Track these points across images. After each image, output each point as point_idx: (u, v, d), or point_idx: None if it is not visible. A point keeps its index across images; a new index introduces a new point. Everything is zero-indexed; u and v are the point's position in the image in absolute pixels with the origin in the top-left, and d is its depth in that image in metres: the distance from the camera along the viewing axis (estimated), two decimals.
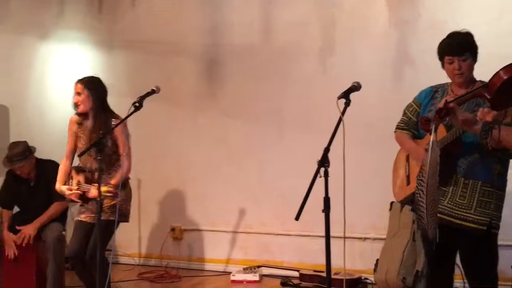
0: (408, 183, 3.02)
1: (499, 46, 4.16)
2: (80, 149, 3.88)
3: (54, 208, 4.47)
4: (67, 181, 4.00)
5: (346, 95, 2.78)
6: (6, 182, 4.67)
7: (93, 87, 3.96)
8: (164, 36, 5.76)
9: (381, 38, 4.87)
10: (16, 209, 4.69)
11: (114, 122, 3.82)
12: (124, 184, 3.88)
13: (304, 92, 5.14)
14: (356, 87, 2.88)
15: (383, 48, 4.85)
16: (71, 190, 3.89)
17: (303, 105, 5.13)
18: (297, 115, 5.17)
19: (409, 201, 3.05)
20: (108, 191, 3.69)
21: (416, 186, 2.72)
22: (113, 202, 3.80)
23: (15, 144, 4.54)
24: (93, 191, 3.76)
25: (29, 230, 4.33)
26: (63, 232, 4.56)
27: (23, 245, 4.30)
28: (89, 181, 3.90)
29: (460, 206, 2.78)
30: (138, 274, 5.29)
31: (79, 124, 3.96)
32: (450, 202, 2.83)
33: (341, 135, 2.60)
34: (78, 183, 3.92)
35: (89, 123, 3.94)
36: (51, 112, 6.30)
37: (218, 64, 5.51)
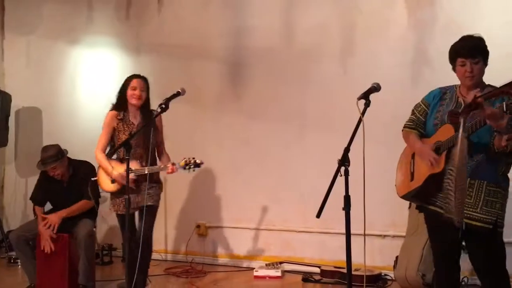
0: (412, 179, 3.00)
1: None
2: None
3: (81, 204, 4.52)
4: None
5: (366, 96, 2.78)
6: (40, 180, 4.75)
7: (149, 87, 4.10)
8: (189, 40, 5.79)
9: (399, 39, 4.83)
10: (48, 206, 4.76)
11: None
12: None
13: (324, 93, 5.12)
14: (376, 88, 2.87)
15: (401, 49, 4.81)
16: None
17: (323, 105, 5.11)
18: (317, 116, 5.15)
19: (411, 196, 3.04)
20: (187, 164, 3.87)
21: (446, 176, 2.70)
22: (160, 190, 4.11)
23: (47, 147, 4.61)
24: (172, 167, 3.91)
25: (54, 218, 4.39)
26: (94, 229, 4.62)
27: (48, 230, 4.36)
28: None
29: (467, 205, 2.76)
30: (165, 269, 5.32)
31: (120, 119, 4.01)
32: None
33: (361, 134, 2.59)
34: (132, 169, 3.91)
35: (135, 118, 4.04)
36: (81, 114, 6.38)
37: (241, 67, 5.52)
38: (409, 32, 4.80)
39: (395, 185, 3.20)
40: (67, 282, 4.38)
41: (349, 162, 2.60)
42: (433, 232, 3.07)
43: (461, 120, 2.58)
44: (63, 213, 4.43)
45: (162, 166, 3.96)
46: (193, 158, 3.88)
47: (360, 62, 4.96)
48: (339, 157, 2.61)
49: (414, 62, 4.74)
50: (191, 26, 5.79)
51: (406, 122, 3.15)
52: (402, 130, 3.16)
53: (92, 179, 4.13)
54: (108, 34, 6.25)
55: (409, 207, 4.60)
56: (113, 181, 3.91)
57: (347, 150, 2.63)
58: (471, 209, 2.76)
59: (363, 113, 2.69)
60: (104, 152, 4.06)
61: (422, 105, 3.08)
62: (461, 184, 2.57)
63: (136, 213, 4.11)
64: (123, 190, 3.84)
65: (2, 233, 6.23)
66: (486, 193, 2.76)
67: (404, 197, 3.12)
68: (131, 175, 3.70)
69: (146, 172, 3.88)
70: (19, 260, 5.19)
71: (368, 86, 2.86)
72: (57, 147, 4.59)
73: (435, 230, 3.02)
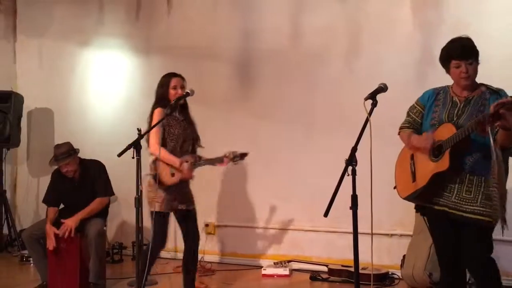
0: (414, 179, 2.99)
1: None
2: (176, 135, 3.93)
3: (95, 204, 4.55)
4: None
5: (372, 96, 2.78)
6: (52, 181, 4.76)
7: (185, 83, 4.08)
8: (198, 41, 5.80)
9: (405, 40, 4.82)
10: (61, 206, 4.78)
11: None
12: None
13: (331, 94, 5.11)
14: (382, 88, 2.87)
15: (407, 50, 4.79)
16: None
17: (330, 106, 5.10)
18: (325, 116, 5.15)
19: (415, 197, 3.02)
20: (235, 156, 3.81)
21: (491, 186, 2.72)
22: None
23: (60, 145, 4.64)
24: (226, 160, 3.83)
25: (70, 222, 4.39)
26: (104, 228, 4.64)
27: (65, 236, 4.35)
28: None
29: (467, 200, 2.79)
30: (174, 268, 5.32)
31: (168, 114, 3.85)
32: (457, 197, 2.83)
33: (368, 134, 2.58)
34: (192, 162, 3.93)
35: (179, 115, 4.02)
36: (92, 114, 6.41)
37: (249, 68, 5.53)
38: (415, 33, 4.78)
39: (395, 188, 3.18)
40: (78, 280, 4.40)
41: (356, 161, 2.60)
42: (436, 233, 3.08)
43: (488, 130, 2.59)
44: (79, 216, 4.44)
45: (218, 157, 3.86)
46: (235, 151, 3.83)
47: (367, 62, 4.95)
48: (347, 156, 2.60)
49: (420, 62, 4.72)
50: (200, 28, 5.80)
51: (402, 124, 3.18)
52: (399, 133, 3.19)
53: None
54: (118, 35, 6.28)
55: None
56: (173, 174, 3.85)
57: (354, 149, 2.62)
58: (471, 204, 2.79)
59: (370, 113, 2.68)
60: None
61: (417, 106, 3.10)
62: (502, 190, 2.63)
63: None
64: (178, 185, 3.88)
65: (15, 232, 6.26)
66: (485, 188, 2.78)
67: (407, 198, 3.11)
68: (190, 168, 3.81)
69: (203, 165, 3.91)
70: (31, 259, 5.21)
71: (374, 86, 2.86)
72: (69, 144, 4.63)
73: (438, 230, 3.04)
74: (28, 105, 6.66)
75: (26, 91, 6.64)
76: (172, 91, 3.97)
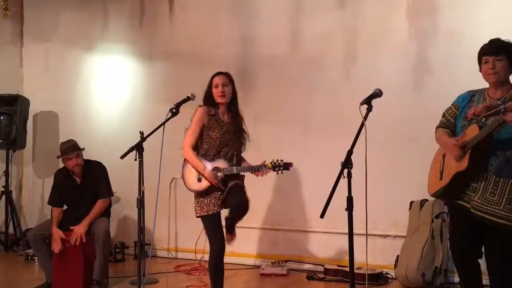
0: (441, 178, 2.97)
1: None
2: (212, 139, 3.67)
3: (99, 205, 4.56)
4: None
5: (368, 101, 2.79)
6: (55, 182, 4.77)
7: (232, 80, 3.78)
8: (199, 47, 5.81)
9: (401, 47, 4.83)
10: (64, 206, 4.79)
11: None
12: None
13: (329, 99, 5.12)
14: (377, 94, 2.88)
15: (403, 57, 4.80)
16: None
17: (328, 111, 5.11)
18: (322, 120, 5.16)
19: (439, 194, 3.00)
20: (275, 166, 3.65)
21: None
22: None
23: (66, 141, 4.67)
24: (265, 171, 3.69)
25: (80, 229, 4.39)
26: (109, 227, 4.64)
27: (77, 244, 4.35)
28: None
29: (490, 202, 2.74)
30: (175, 267, 5.33)
31: (212, 115, 3.69)
32: (480, 198, 2.78)
33: (363, 138, 2.60)
34: (219, 169, 3.65)
35: (223, 116, 3.72)
36: (95, 118, 6.42)
37: (249, 73, 5.53)
38: (410, 40, 4.79)
39: (428, 183, 3.16)
40: (82, 279, 4.39)
41: (352, 164, 2.61)
42: (455, 228, 3.03)
43: None
44: (86, 221, 4.44)
45: (255, 166, 3.64)
46: (281, 160, 3.63)
47: (363, 69, 4.96)
48: (343, 159, 2.61)
49: (415, 69, 4.73)
50: (201, 34, 5.81)
51: (438, 124, 3.13)
52: (435, 132, 3.13)
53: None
54: (122, 41, 6.30)
55: (410, 208, 4.60)
56: (199, 179, 3.64)
57: (350, 153, 2.63)
58: (494, 206, 2.74)
59: (365, 118, 2.69)
60: (193, 148, 3.71)
61: (453, 107, 3.06)
62: None
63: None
64: (209, 190, 3.63)
65: (20, 231, 6.27)
66: (510, 191, 2.72)
67: (434, 195, 3.08)
68: (220, 174, 3.56)
69: (235, 172, 3.65)
70: (36, 258, 5.21)
71: (370, 91, 2.87)
72: (74, 140, 4.67)
73: (457, 226, 2.99)
74: (34, 108, 6.67)
75: (32, 94, 6.65)
76: (214, 90, 3.69)
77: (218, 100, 3.68)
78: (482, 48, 2.90)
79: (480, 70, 2.91)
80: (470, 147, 2.74)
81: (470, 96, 2.99)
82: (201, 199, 3.66)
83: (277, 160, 3.63)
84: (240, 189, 3.69)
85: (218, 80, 3.70)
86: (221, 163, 3.65)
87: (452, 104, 3.08)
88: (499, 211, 2.73)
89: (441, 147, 3.10)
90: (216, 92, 3.67)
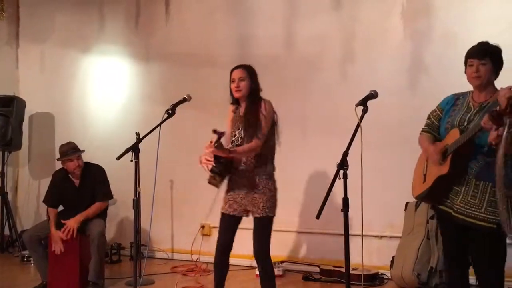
0: (424, 180, 2.99)
1: (510, 55, 4.10)
2: (231, 140, 3.52)
3: (95, 207, 4.55)
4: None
5: (363, 102, 2.78)
6: (53, 182, 4.75)
7: (253, 74, 3.56)
8: (195, 48, 5.80)
9: (397, 48, 4.84)
10: (60, 207, 4.76)
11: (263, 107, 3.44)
12: (271, 175, 3.50)
13: (325, 100, 5.12)
14: (373, 95, 2.87)
15: (399, 58, 4.81)
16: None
17: (324, 111, 5.11)
18: (319, 121, 5.15)
19: (423, 197, 3.02)
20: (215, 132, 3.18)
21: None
22: (269, 197, 3.44)
23: (66, 143, 4.66)
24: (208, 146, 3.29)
25: (72, 223, 4.38)
26: (105, 228, 4.62)
27: (67, 237, 4.34)
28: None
29: (472, 205, 2.75)
30: (171, 268, 5.32)
31: (234, 112, 3.60)
32: (462, 201, 2.80)
33: (359, 139, 2.59)
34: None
35: (242, 110, 3.54)
36: (92, 119, 6.40)
37: None
38: (406, 41, 4.80)
39: (412, 186, 3.18)
40: (78, 280, 4.39)
41: (347, 165, 2.60)
42: (443, 233, 3.06)
43: (507, 122, 2.40)
44: (80, 217, 4.43)
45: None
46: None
47: (359, 70, 4.97)
48: (339, 160, 2.61)
49: (411, 70, 4.74)
50: (197, 35, 5.80)
51: (423, 126, 3.14)
52: (419, 135, 3.14)
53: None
54: (118, 43, 6.28)
55: (405, 209, 4.60)
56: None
57: (345, 154, 2.63)
58: (475, 209, 2.74)
59: (361, 119, 2.69)
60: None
61: (437, 110, 3.07)
62: (501, 187, 2.51)
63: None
64: (228, 188, 3.51)
65: (16, 232, 6.24)
66: (491, 194, 2.72)
67: (417, 197, 3.10)
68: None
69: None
70: (31, 259, 5.20)
71: (366, 92, 2.86)
72: (74, 143, 4.66)
73: (445, 231, 3.02)
74: (30, 109, 6.64)
75: (28, 95, 6.63)
76: (232, 85, 3.54)
77: (235, 95, 3.54)
78: (469, 51, 2.91)
79: (465, 72, 2.92)
80: (451, 152, 2.76)
81: (455, 100, 3.00)
82: (225, 194, 3.59)
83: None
84: (260, 229, 3.54)
85: (234, 75, 3.55)
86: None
87: (437, 107, 3.09)
88: (481, 214, 2.73)
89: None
90: (232, 87, 3.53)
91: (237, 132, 3.50)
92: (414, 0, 4.79)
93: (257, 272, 4.89)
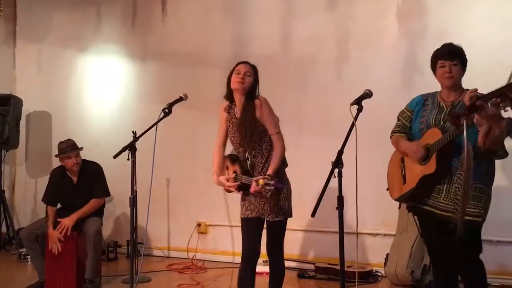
0: (404, 182, 3.00)
1: (502, 55, 4.12)
2: (230, 139, 3.36)
3: (91, 204, 4.53)
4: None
5: (358, 101, 2.79)
6: (51, 181, 4.74)
7: (257, 74, 3.38)
8: (191, 48, 5.80)
9: (391, 48, 4.85)
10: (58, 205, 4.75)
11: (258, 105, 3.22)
12: (282, 175, 3.28)
13: (320, 99, 5.13)
14: (367, 94, 2.88)
15: (393, 57, 4.83)
16: (228, 180, 3.26)
17: (319, 110, 5.12)
18: (314, 120, 5.16)
19: (406, 198, 3.04)
20: (266, 184, 2.93)
21: (456, 180, 2.74)
22: (282, 198, 3.23)
23: (65, 140, 4.65)
24: (254, 186, 3.03)
25: (67, 221, 4.37)
26: (101, 226, 4.62)
27: (62, 235, 4.32)
28: (245, 171, 3.27)
29: (455, 202, 2.77)
30: (167, 265, 5.32)
31: (228, 112, 3.38)
32: (445, 199, 2.83)
33: (354, 138, 2.60)
34: (235, 173, 3.32)
35: (236, 110, 3.33)
36: (88, 118, 6.39)
37: None
38: (400, 41, 4.82)
39: (387, 189, 3.20)
40: (74, 278, 4.37)
41: (342, 164, 2.61)
42: (427, 232, 3.08)
43: (464, 123, 2.50)
44: (75, 215, 4.42)
45: (251, 179, 3.10)
46: (268, 177, 3.01)
47: (354, 69, 4.98)
48: (334, 159, 2.61)
49: (405, 69, 4.76)
50: (194, 35, 5.80)
51: (393, 128, 3.19)
52: (391, 137, 3.19)
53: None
54: (115, 42, 6.27)
55: (399, 207, 4.60)
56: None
57: (340, 152, 2.63)
58: (459, 205, 2.74)
59: (355, 118, 2.70)
60: (223, 146, 3.39)
61: (407, 111, 3.12)
62: (467, 187, 2.55)
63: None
64: (243, 193, 3.28)
65: (13, 230, 6.23)
66: (473, 189, 2.76)
67: (398, 199, 3.13)
68: (229, 186, 3.20)
69: (239, 183, 3.23)
70: (28, 257, 5.18)
71: (361, 92, 2.87)
72: (72, 140, 4.65)
73: (429, 230, 3.03)
74: (27, 108, 6.62)
75: (25, 94, 6.60)
76: (234, 76, 3.27)
77: (234, 85, 3.25)
78: (437, 52, 2.98)
79: (435, 73, 2.98)
80: (436, 151, 2.78)
81: (424, 100, 3.05)
82: (240, 201, 3.35)
83: (267, 177, 3.00)
84: (273, 234, 3.29)
85: (241, 68, 3.30)
86: (236, 167, 3.33)
87: (405, 108, 3.14)
88: (468, 208, 2.74)
89: (396, 151, 3.15)
90: (235, 77, 3.25)
91: (237, 134, 3.28)
92: (408, 0, 4.80)
93: (262, 270, 4.87)
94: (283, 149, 3.29)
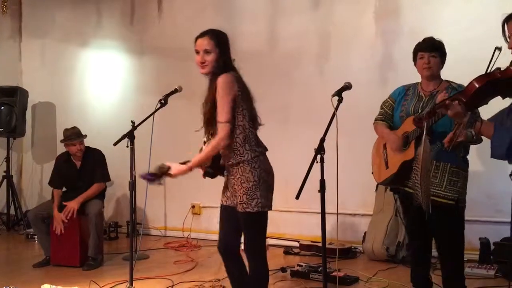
0: (387, 167, 3.02)
1: (470, 51, 4.15)
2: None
3: (94, 189, 4.53)
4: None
5: (339, 93, 2.79)
6: (56, 165, 4.73)
7: (222, 42, 2.71)
8: (186, 43, 5.64)
9: (368, 46, 4.86)
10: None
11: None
12: (251, 162, 2.67)
13: (304, 92, 5.14)
14: (347, 87, 2.88)
15: (370, 55, 4.83)
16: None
17: (303, 103, 5.13)
18: (299, 111, 5.17)
19: (389, 182, 3.06)
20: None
21: (413, 171, 2.76)
22: (246, 189, 2.62)
23: (70, 128, 4.62)
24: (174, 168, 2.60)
25: (73, 205, 4.37)
26: (102, 208, 4.62)
27: (67, 218, 4.33)
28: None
29: (433, 185, 2.79)
30: (164, 244, 5.33)
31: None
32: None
33: (334, 127, 2.61)
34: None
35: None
36: (90, 108, 6.35)
37: None
38: (377, 39, 4.83)
39: (372, 173, 3.22)
40: (78, 255, 4.38)
41: (324, 150, 2.62)
42: (406, 213, 3.10)
43: (425, 124, 2.60)
44: (80, 199, 4.41)
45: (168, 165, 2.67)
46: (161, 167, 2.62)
47: (335, 65, 4.99)
48: (316, 146, 2.63)
49: (381, 65, 4.77)
50: (188, 32, 5.67)
51: (377, 116, 3.19)
52: (374, 123, 3.19)
53: None
54: (114, 38, 6.22)
55: (376, 190, 4.65)
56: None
57: (322, 140, 2.64)
58: (437, 188, 2.79)
59: (336, 108, 2.70)
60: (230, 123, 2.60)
61: (389, 100, 3.13)
62: (426, 178, 2.59)
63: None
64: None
65: (21, 212, 6.20)
66: (449, 173, 2.79)
67: (382, 183, 3.14)
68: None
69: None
70: (35, 236, 5.17)
71: (341, 85, 2.88)
72: (77, 128, 4.62)
73: (407, 211, 3.06)
74: (32, 99, 6.56)
75: (31, 86, 6.55)
76: (196, 58, 2.76)
77: (200, 71, 2.71)
78: (418, 45, 2.99)
79: (415, 65, 2.99)
80: (414, 138, 2.80)
81: (405, 90, 3.06)
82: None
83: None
84: (246, 227, 2.66)
85: (197, 46, 2.70)
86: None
87: (388, 97, 3.15)
88: (441, 192, 2.78)
89: (378, 138, 3.17)
90: (196, 61, 2.68)
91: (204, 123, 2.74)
92: (385, 0, 4.81)
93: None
94: (219, 144, 2.59)
